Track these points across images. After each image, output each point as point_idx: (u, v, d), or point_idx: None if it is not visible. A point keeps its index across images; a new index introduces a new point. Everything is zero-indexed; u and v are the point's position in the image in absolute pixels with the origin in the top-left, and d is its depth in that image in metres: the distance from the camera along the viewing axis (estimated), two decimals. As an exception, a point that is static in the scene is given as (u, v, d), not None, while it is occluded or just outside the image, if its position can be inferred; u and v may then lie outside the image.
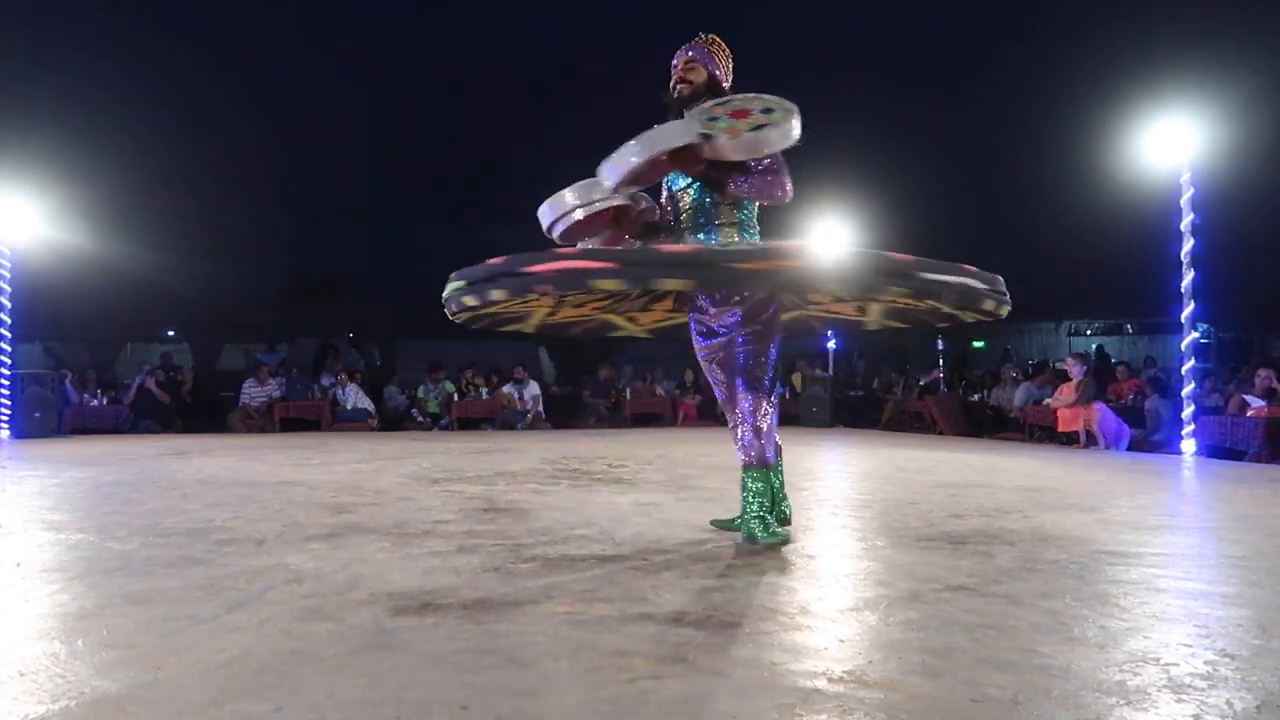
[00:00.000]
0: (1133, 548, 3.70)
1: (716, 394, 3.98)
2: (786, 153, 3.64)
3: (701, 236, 3.77)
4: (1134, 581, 3.08)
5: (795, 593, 2.94)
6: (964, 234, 20.18)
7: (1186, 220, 8.83)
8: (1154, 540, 3.92)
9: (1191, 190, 8.82)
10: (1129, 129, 9.42)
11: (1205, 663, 2.19)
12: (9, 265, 11.02)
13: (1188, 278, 8.84)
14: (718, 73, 3.83)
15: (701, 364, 3.99)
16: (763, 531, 3.69)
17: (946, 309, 3.55)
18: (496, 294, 3.23)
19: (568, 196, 3.74)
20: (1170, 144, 8.87)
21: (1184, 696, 1.96)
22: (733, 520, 4.04)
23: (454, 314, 3.60)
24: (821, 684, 2.03)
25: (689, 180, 3.78)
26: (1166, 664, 2.18)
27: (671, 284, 3.22)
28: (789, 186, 3.65)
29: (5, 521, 4.32)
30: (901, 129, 21.70)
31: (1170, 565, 3.39)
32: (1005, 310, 3.43)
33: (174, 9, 24.96)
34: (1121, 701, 1.93)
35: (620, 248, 3.76)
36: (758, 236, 3.84)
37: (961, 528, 4.17)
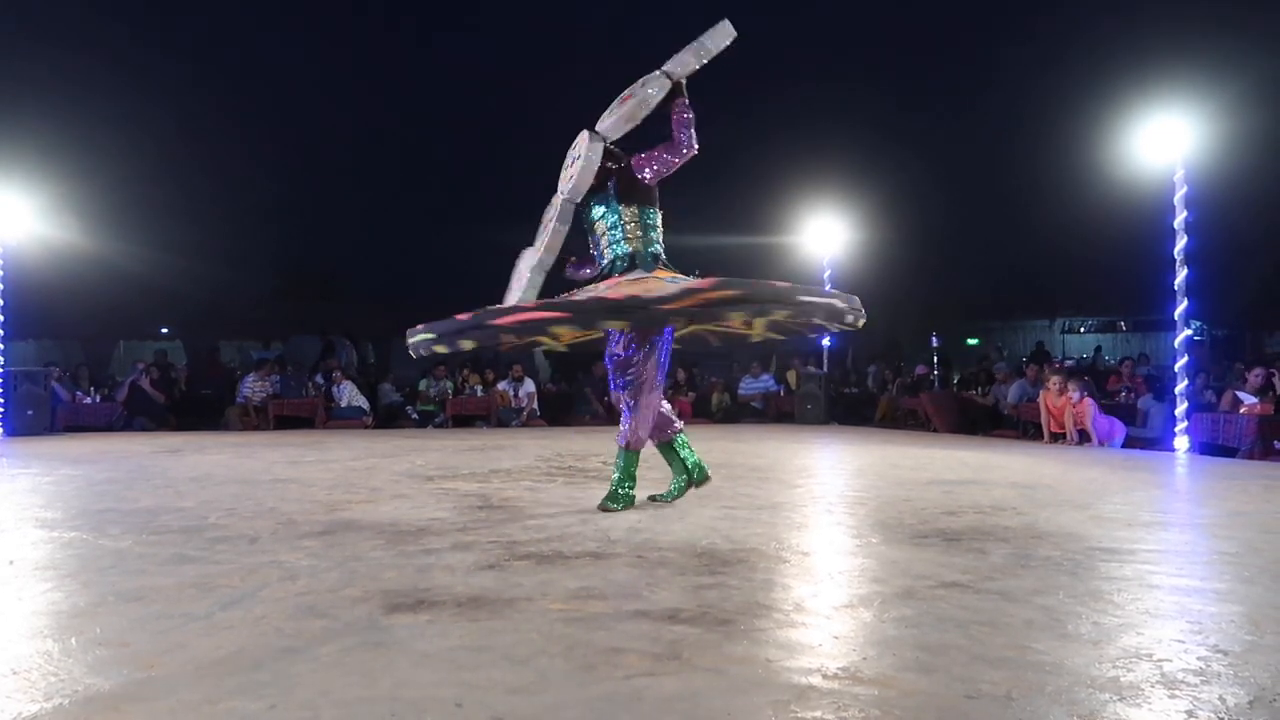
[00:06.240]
0: (1126, 544, 3.71)
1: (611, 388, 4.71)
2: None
3: (620, 249, 4.43)
4: (1127, 578, 3.09)
5: (789, 589, 2.95)
6: (959, 231, 20.22)
7: (1180, 218, 8.85)
8: (1147, 537, 3.93)
9: (1185, 188, 8.84)
10: (1122, 127, 9.43)
11: (1198, 659, 2.20)
12: (2, 262, 10.98)
13: (1181, 275, 8.87)
14: None
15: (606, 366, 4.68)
16: (612, 501, 4.53)
17: (818, 321, 4.23)
18: (466, 344, 4.09)
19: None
20: (1163, 141, 8.89)
21: (1177, 692, 1.97)
22: (666, 493, 4.82)
23: (420, 355, 4.39)
24: (816, 680, 2.04)
25: (602, 209, 4.50)
26: (1159, 660, 2.19)
27: (613, 324, 4.11)
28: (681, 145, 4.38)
29: (-2, 519, 4.31)
30: (898, 127, 21.70)
31: (1163, 562, 3.40)
32: (861, 322, 4.19)
33: (169, 7, 24.86)
34: (1115, 697, 1.93)
35: (567, 298, 4.25)
36: (660, 242, 4.51)
37: (955, 524, 4.18)
